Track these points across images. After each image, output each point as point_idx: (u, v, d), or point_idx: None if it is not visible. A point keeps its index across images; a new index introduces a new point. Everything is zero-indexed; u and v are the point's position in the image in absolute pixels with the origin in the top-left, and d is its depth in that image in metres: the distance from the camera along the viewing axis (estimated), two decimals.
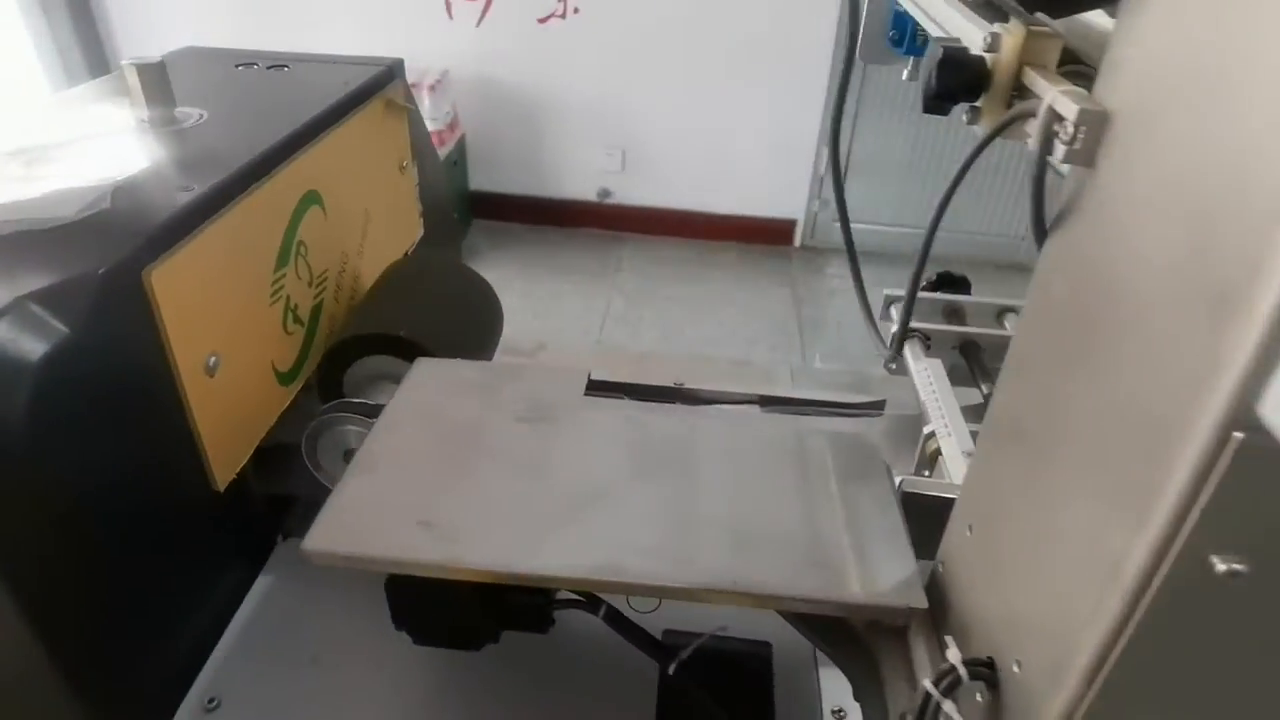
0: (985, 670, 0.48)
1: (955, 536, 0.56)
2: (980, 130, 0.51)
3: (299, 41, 2.71)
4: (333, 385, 0.90)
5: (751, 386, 1.13)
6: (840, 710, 0.76)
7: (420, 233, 1.20)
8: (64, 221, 0.65)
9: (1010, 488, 0.48)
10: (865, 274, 3.55)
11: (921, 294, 1.08)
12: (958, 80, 0.48)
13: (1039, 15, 0.48)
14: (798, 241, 3.42)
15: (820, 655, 0.82)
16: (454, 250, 1.30)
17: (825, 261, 3.38)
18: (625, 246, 3.37)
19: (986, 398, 0.92)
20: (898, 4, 0.98)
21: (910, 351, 0.99)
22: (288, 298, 0.85)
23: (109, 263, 0.62)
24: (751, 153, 3.22)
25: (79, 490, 0.62)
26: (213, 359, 0.73)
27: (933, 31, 0.63)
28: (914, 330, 1.01)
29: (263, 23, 3.07)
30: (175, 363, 0.68)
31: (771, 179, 3.29)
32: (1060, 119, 0.42)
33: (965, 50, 0.49)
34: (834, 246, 3.40)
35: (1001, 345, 1.01)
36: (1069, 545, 0.41)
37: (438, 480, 0.65)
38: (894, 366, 1.03)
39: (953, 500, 0.69)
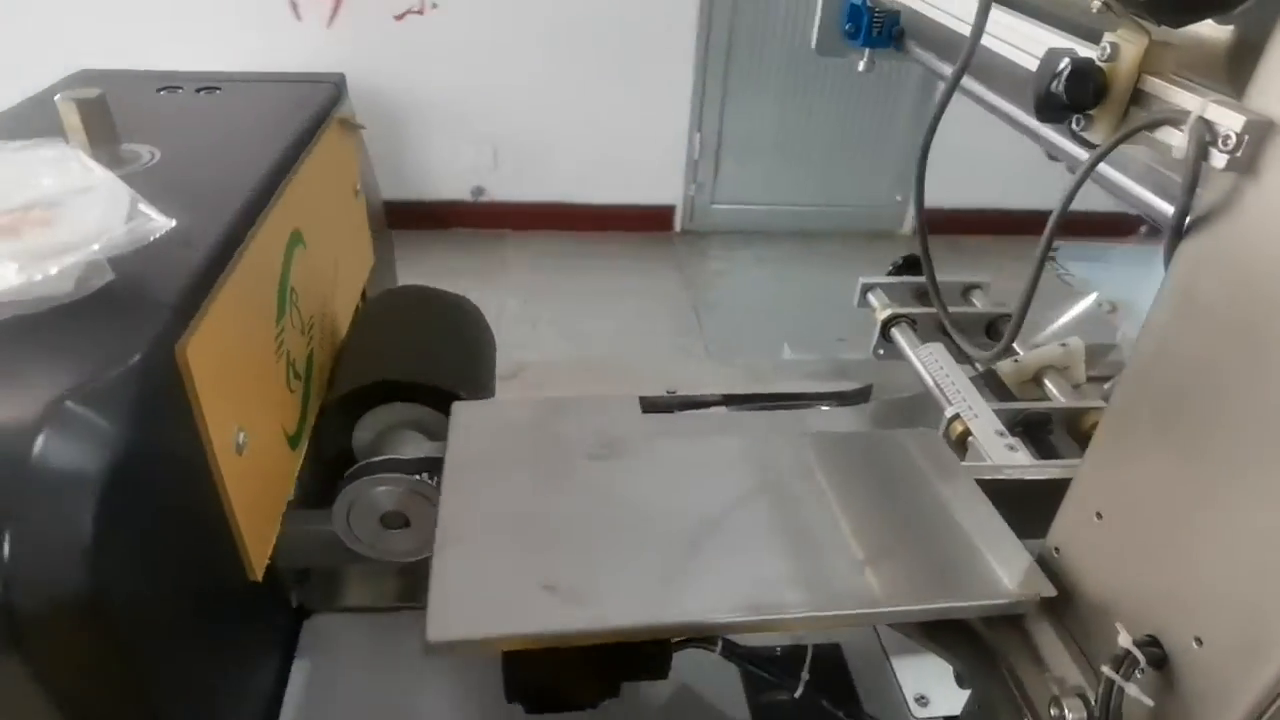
0: (1155, 650, 0.51)
1: (1078, 523, 0.59)
2: (1095, 137, 0.52)
3: (131, 50, 2.44)
4: (338, 442, 0.82)
5: (737, 384, 1.14)
6: (923, 697, 0.78)
7: (373, 260, 1.11)
8: (66, 299, 0.55)
9: (1166, 470, 0.51)
10: (748, 253, 3.68)
11: (890, 279, 1.12)
12: (1087, 90, 0.50)
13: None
14: (678, 226, 3.46)
15: (886, 646, 0.84)
16: (389, 272, 1.22)
17: (707, 245, 3.43)
18: (507, 245, 3.29)
19: (977, 376, 0.97)
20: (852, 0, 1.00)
21: (902, 336, 1.03)
22: (288, 352, 0.77)
23: (143, 344, 0.53)
24: (625, 141, 3.22)
25: (129, 602, 0.53)
26: (241, 435, 0.65)
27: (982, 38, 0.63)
28: (899, 316, 1.04)
29: (85, 28, 2.73)
30: (210, 444, 0.60)
31: (646, 166, 3.31)
32: (1210, 126, 0.45)
33: (1091, 61, 0.50)
34: (713, 229, 3.46)
35: (978, 321, 1.06)
36: (1262, 519, 0.44)
37: (538, 535, 0.61)
38: (882, 353, 1.06)
39: (1020, 481, 0.73)
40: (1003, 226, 3.58)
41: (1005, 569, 0.61)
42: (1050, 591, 0.59)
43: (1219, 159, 0.44)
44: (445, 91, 3.02)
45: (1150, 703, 0.50)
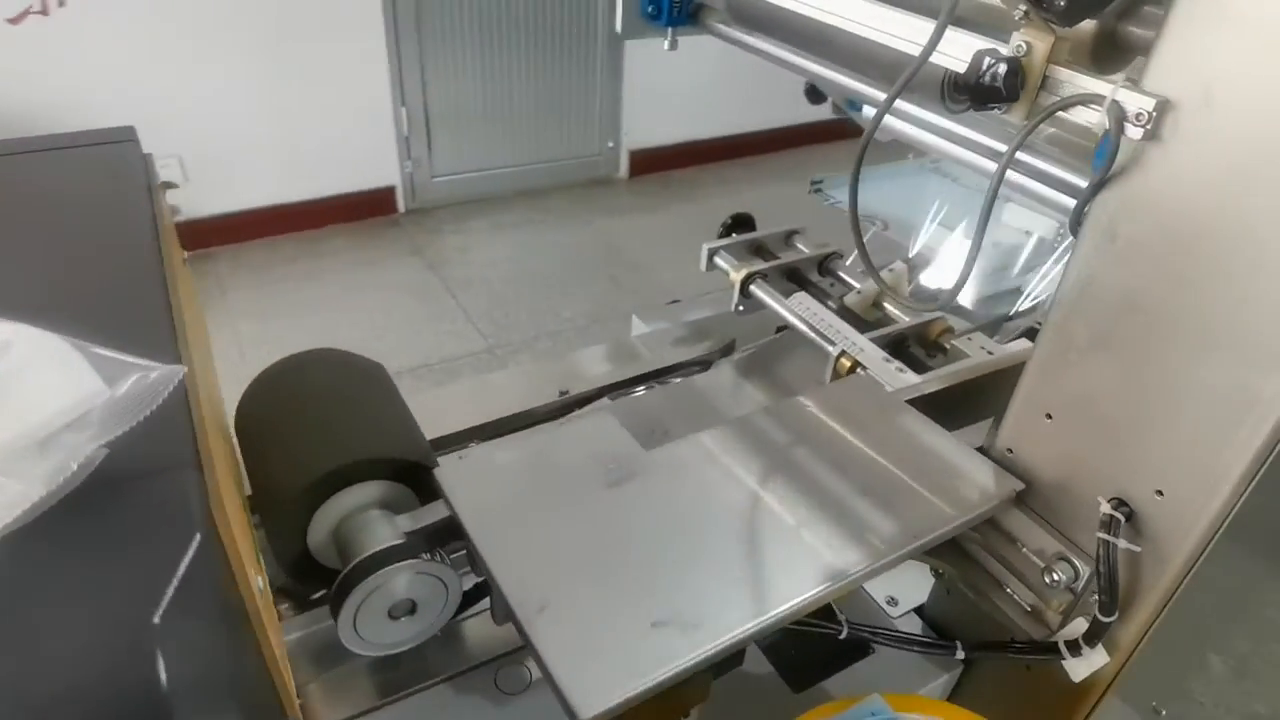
0: (1125, 509, 0.66)
1: (1029, 425, 0.72)
2: (1015, 118, 0.63)
3: None
4: (292, 549, 0.74)
5: (610, 365, 1.17)
6: (892, 598, 0.91)
7: (206, 333, 0.98)
8: (64, 486, 0.45)
9: (1108, 370, 0.64)
10: (483, 222, 3.69)
11: (724, 241, 1.20)
12: (1016, 82, 0.60)
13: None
14: (401, 207, 3.31)
15: None
16: None
17: (438, 221, 3.34)
18: (220, 263, 2.94)
19: (838, 309, 1.10)
20: None
21: (763, 291, 1.12)
22: (235, 465, 0.67)
23: (193, 520, 0.46)
24: (325, 127, 2.99)
25: None
26: (260, 579, 0.57)
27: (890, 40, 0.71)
28: (755, 273, 1.13)
29: None
30: (246, 601, 0.53)
31: (355, 150, 3.11)
32: (1119, 106, 0.57)
33: (1018, 59, 0.60)
34: (439, 203, 3.37)
35: (814, 262, 1.19)
36: (1205, 393, 0.59)
37: (608, 575, 0.62)
38: (742, 309, 1.16)
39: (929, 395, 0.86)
40: (704, 156, 3.88)
41: (977, 479, 0.73)
42: (1020, 486, 0.73)
43: (1134, 131, 0.57)
44: (95, 103, 2.57)
45: (1138, 549, 0.65)
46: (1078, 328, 0.66)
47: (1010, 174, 0.78)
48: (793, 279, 1.18)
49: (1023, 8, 0.58)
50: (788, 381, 1.11)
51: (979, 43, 0.63)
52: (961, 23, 0.67)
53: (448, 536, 0.71)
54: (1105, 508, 0.66)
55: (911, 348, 1.06)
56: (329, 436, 0.76)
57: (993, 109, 0.64)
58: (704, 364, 1.20)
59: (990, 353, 1.00)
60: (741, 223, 1.25)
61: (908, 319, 1.06)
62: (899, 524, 0.68)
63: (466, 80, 3.18)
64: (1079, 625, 0.70)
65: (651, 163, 3.75)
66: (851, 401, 0.82)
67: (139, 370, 0.47)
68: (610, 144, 3.62)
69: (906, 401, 0.85)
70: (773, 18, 0.92)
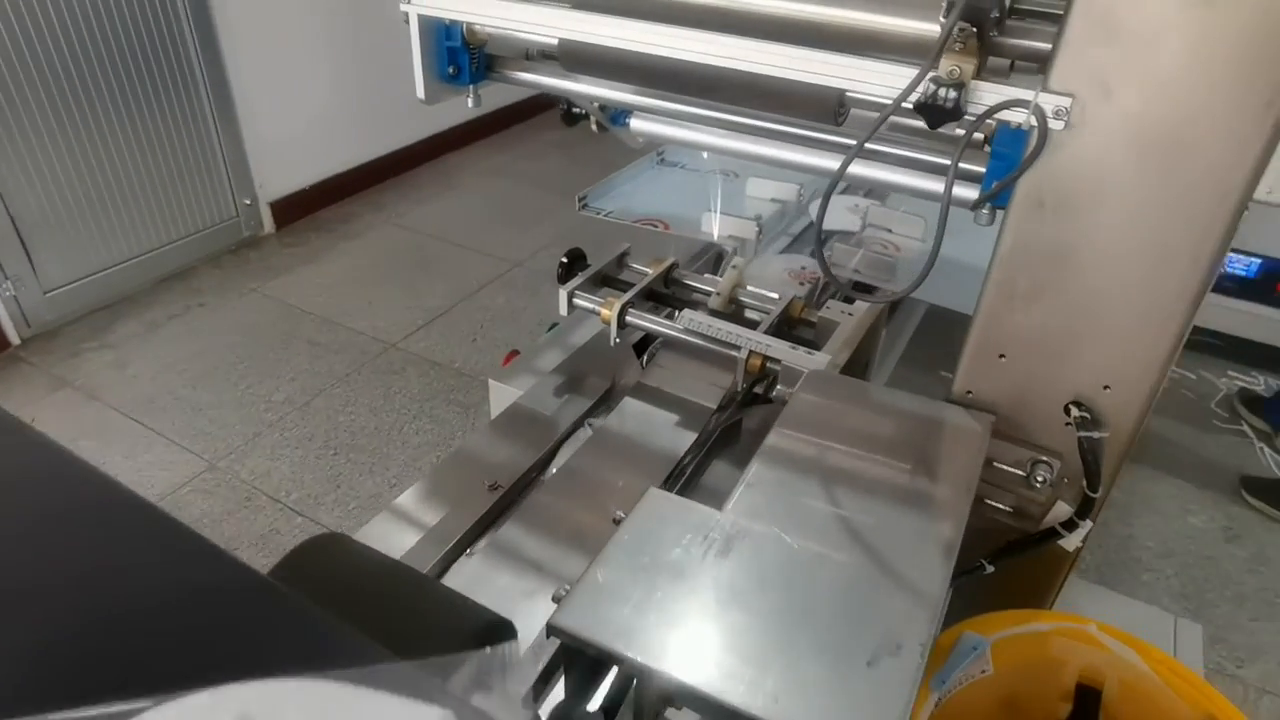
0: (1083, 407, 0.83)
1: (985, 366, 0.87)
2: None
3: None
4: None
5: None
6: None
7: None
8: None
9: (1047, 310, 0.81)
10: (133, 326, 3.29)
11: (576, 281, 1.21)
12: (961, 102, 0.71)
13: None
14: (15, 338, 2.68)
15: None
16: None
17: (73, 341, 2.77)
18: None
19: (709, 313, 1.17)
20: (448, 41, 1.01)
21: (639, 318, 1.15)
22: None
23: None
24: None
25: None
26: None
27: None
28: (628, 303, 1.15)
29: None
30: None
31: None
32: (1039, 107, 0.71)
33: (963, 84, 0.71)
34: (66, 320, 2.78)
35: (662, 278, 1.24)
36: (1128, 304, 0.77)
37: (799, 641, 0.64)
38: (619, 340, 1.18)
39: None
40: (350, 187, 3.68)
41: (963, 426, 0.87)
42: (992, 417, 0.87)
43: (1056, 124, 0.71)
44: None
45: (1107, 434, 0.83)
46: (1019, 280, 0.81)
47: (881, 172, 0.91)
48: (649, 297, 1.23)
49: (959, 38, 0.69)
50: (692, 391, 1.17)
51: (904, 70, 0.73)
52: (863, 51, 0.77)
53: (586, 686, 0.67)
54: (1075, 411, 0.83)
55: (787, 331, 1.18)
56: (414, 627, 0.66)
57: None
58: (604, 405, 1.20)
59: (849, 314, 1.15)
60: (577, 258, 1.26)
61: (772, 307, 1.17)
62: (949, 492, 0.78)
63: (56, 171, 2.63)
64: (1062, 509, 0.88)
65: (296, 209, 3.45)
66: (821, 409, 0.90)
67: None
68: (247, 200, 3.25)
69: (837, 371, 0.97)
70: (615, 60, 0.94)
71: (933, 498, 0.76)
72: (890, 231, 1.52)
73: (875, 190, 1.71)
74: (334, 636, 0.49)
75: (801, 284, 1.39)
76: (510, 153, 4.24)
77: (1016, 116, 0.72)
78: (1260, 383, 2.71)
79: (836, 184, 0.80)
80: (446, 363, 2.76)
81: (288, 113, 3.29)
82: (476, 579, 0.91)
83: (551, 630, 0.65)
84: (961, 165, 0.84)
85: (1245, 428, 2.52)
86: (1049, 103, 0.71)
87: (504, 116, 4.29)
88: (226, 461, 2.37)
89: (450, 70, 1.04)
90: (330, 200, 3.58)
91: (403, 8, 0.97)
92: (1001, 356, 0.86)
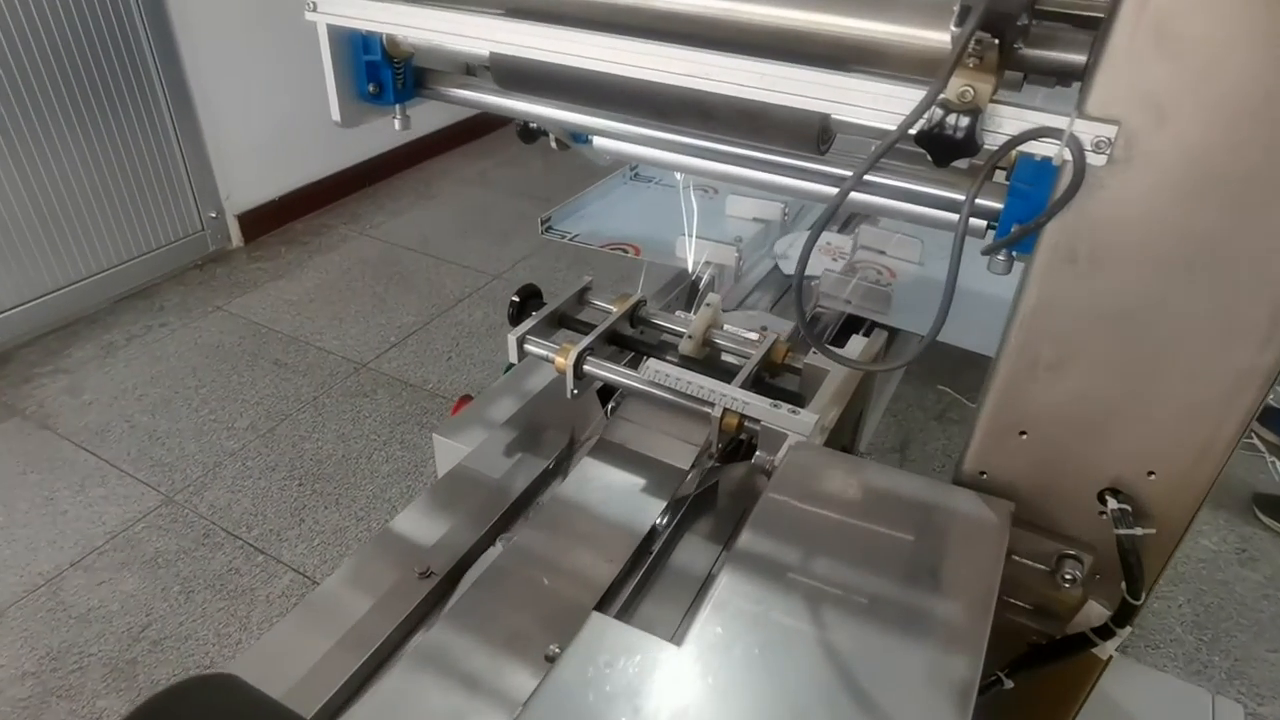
0: (1121, 495, 0.69)
1: (1001, 445, 0.72)
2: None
3: None
4: None
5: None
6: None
7: None
8: None
9: (1081, 380, 0.66)
10: (85, 347, 3.14)
11: (527, 324, 1.06)
12: (979, 135, 0.56)
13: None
14: None
15: None
16: None
17: (25, 367, 2.62)
18: None
19: (679, 361, 1.02)
20: (366, 55, 0.86)
21: (598, 367, 1.00)
22: None
23: None
24: None
25: None
26: None
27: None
28: (585, 350, 1.00)
29: None
30: None
31: None
32: (1075, 138, 0.56)
33: (979, 112, 0.56)
34: (16, 343, 2.64)
35: (625, 318, 1.09)
36: (1186, 377, 0.62)
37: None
38: (576, 392, 1.03)
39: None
40: (322, 198, 3.54)
41: (978, 516, 0.72)
42: (1011, 505, 0.73)
43: (1096, 159, 0.56)
44: None
45: (1153, 531, 0.68)
46: (1042, 347, 0.67)
47: (876, 200, 0.76)
48: (612, 340, 1.08)
49: (976, 51, 0.54)
50: (661, 450, 1.02)
51: (903, 91, 0.59)
52: (860, 67, 0.62)
53: None
54: (1113, 503, 0.68)
55: (767, 379, 1.03)
56: None
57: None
58: (558, 467, 1.05)
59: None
60: (530, 295, 1.11)
61: (752, 351, 1.03)
62: (963, 598, 0.64)
63: (2, 186, 2.48)
64: (1094, 610, 0.73)
65: (266, 222, 3.30)
66: (805, 497, 0.75)
67: None
68: (212, 214, 3.10)
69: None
70: (549, 75, 0.79)
71: (945, 621, 0.62)
72: (884, 254, 1.37)
73: (851, 224, 1.57)
74: None
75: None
76: (491, 159, 4.09)
77: (1045, 149, 0.58)
78: (1272, 394, 2.57)
79: (817, 238, 0.65)
80: (419, 383, 2.61)
81: (254, 119, 3.13)
82: (396, 700, 0.76)
83: None
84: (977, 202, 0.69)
85: (1257, 442, 2.36)
86: (1088, 132, 0.56)
87: (484, 122, 4.14)
88: (184, 494, 2.23)
89: (371, 88, 0.89)
90: (301, 212, 3.44)
91: (308, 16, 0.82)
92: (1022, 434, 0.72)
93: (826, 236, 1.47)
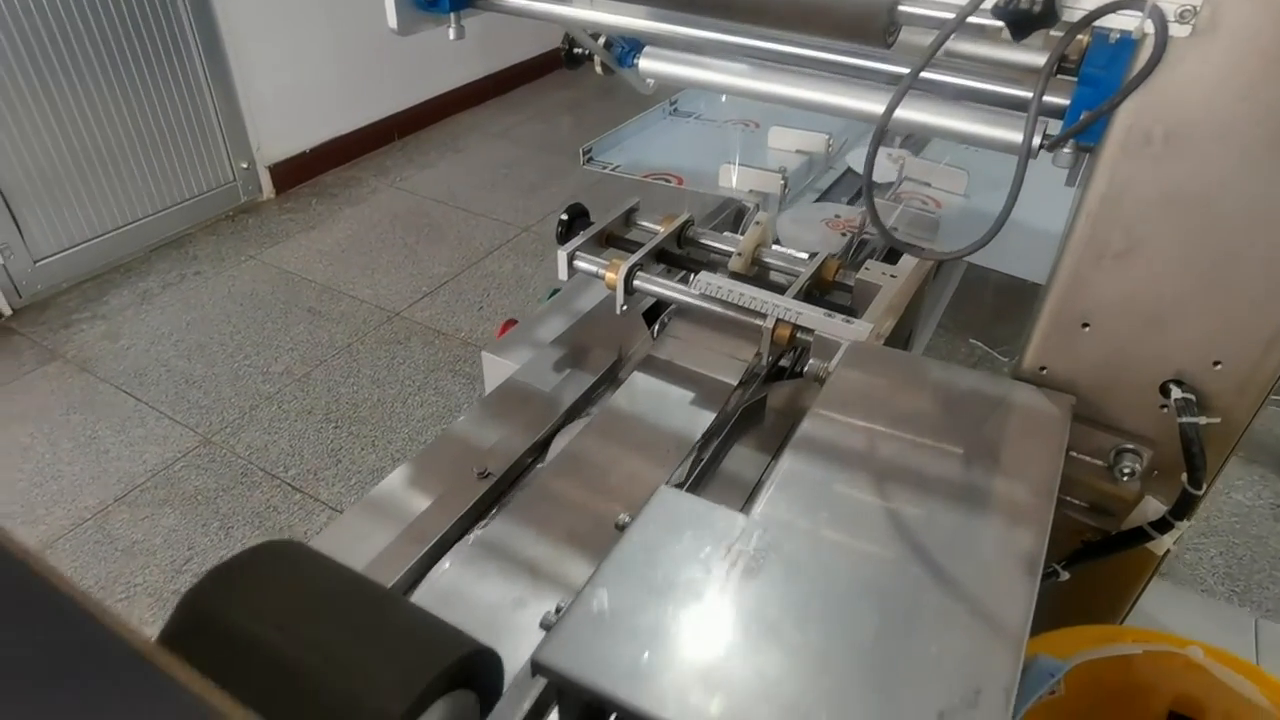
0: (1185, 385, 0.69)
1: (1063, 339, 0.72)
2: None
3: None
4: None
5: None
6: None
7: None
8: None
9: (1149, 269, 0.66)
10: (126, 295, 3.17)
11: (577, 241, 1.06)
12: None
13: None
14: (6, 309, 2.58)
15: None
16: None
17: (64, 312, 2.66)
18: None
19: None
20: None
21: (649, 282, 1.01)
22: None
23: None
24: None
25: None
26: None
27: None
28: (636, 265, 1.01)
29: None
30: None
31: None
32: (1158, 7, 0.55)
33: None
34: (56, 290, 2.68)
35: (674, 237, 1.10)
36: (1257, 262, 0.62)
37: (850, 690, 0.51)
38: (626, 308, 1.04)
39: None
40: (352, 150, 3.54)
41: (1039, 410, 0.72)
42: (1072, 400, 0.73)
43: (1180, 29, 0.56)
44: None
45: (1217, 420, 0.68)
46: (1109, 236, 0.66)
47: (929, 115, 0.76)
48: (660, 258, 1.09)
49: None
50: (709, 365, 1.03)
51: None
52: None
53: None
54: (1177, 392, 0.68)
55: (818, 296, 1.03)
56: (369, 658, 0.53)
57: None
58: (609, 380, 1.06)
59: (892, 275, 1.01)
60: (579, 214, 1.11)
61: (802, 269, 1.03)
62: (1027, 480, 0.65)
63: (39, 135, 2.50)
64: (1151, 506, 0.74)
65: (296, 173, 3.31)
66: (866, 388, 0.76)
67: None
68: (244, 164, 3.12)
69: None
70: None
71: (1009, 500, 0.62)
72: (929, 185, 1.36)
73: (911, 141, 1.55)
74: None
75: (843, 234, 1.24)
76: (518, 114, 4.07)
77: (1124, 22, 0.57)
78: None
79: (890, 115, 0.65)
80: (451, 332, 2.63)
81: (286, 71, 3.14)
82: (459, 586, 0.78)
83: (537, 668, 0.52)
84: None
85: None
86: (1171, 1, 0.55)
87: (511, 76, 4.12)
88: (222, 436, 2.26)
89: None
90: (331, 164, 3.44)
91: None
92: (1085, 326, 0.72)
93: (888, 150, 1.46)
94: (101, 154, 2.70)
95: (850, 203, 1.41)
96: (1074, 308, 0.72)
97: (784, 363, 1.06)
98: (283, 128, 3.22)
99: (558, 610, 0.68)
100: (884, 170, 1.42)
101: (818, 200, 1.42)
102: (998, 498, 0.63)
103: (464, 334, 2.63)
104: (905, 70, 0.78)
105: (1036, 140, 0.65)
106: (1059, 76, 0.67)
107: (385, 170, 3.51)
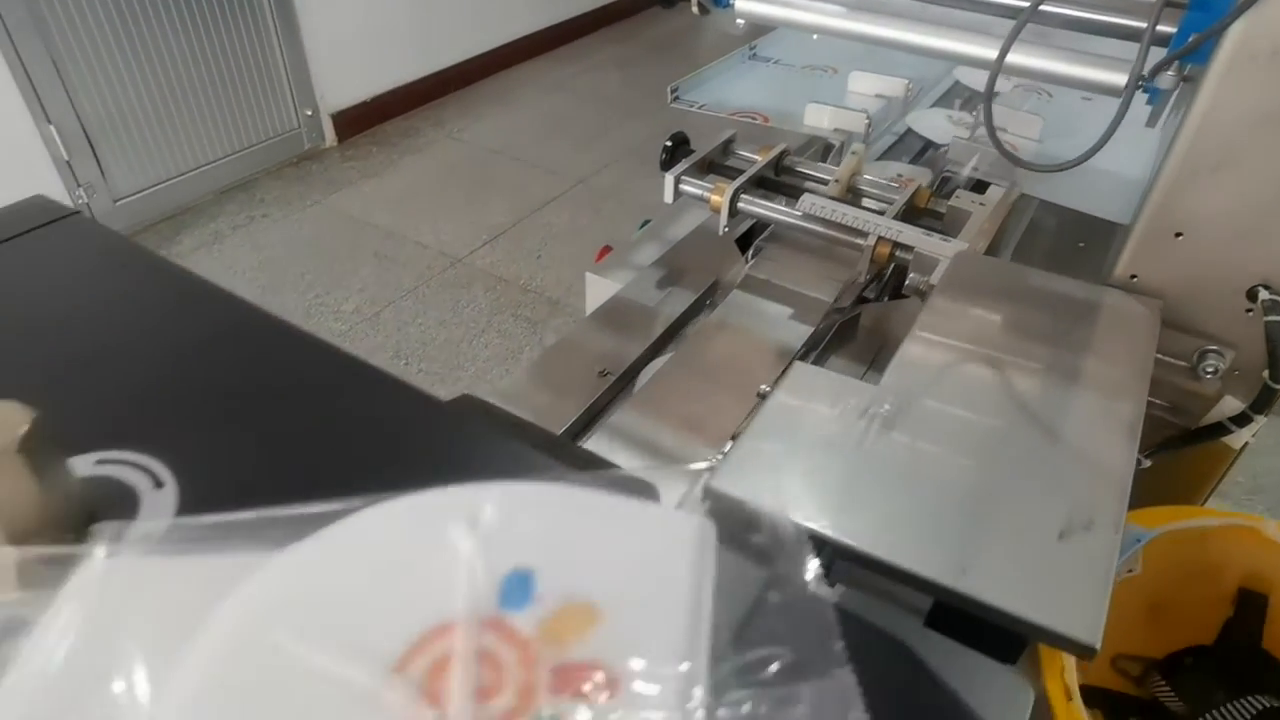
0: (1271, 289, 0.76)
1: (1156, 248, 0.80)
2: None
3: None
4: None
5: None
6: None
7: None
8: None
9: (1244, 177, 0.72)
10: (193, 235, 3.32)
11: (683, 165, 1.14)
12: None
13: None
14: None
15: None
16: None
17: None
18: None
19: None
20: None
21: (752, 205, 1.09)
22: None
23: None
24: None
25: None
26: None
27: None
28: (741, 188, 1.09)
29: None
30: None
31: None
32: None
33: None
34: (134, 229, 2.79)
35: (772, 165, 1.17)
36: None
37: (984, 518, 0.60)
38: (728, 228, 1.12)
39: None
40: (412, 100, 3.61)
41: (1132, 315, 0.79)
42: (1159, 303, 0.80)
43: None
44: None
45: None
46: (1212, 148, 0.73)
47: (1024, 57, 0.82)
48: (759, 185, 1.16)
49: None
50: (805, 285, 1.10)
51: None
52: None
53: None
54: (1265, 294, 0.75)
55: (911, 220, 1.11)
56: None
57: None
58: (708, 300, 1.15)
59: (981, 204, 1.08)
60: (681, 142, 1.19)
61: (896, 196, 1.10)
62: (1125, 373, 0.72)
63: (120, 80, 2.60)
64: (1230, 403, 0.81)
65: (358, 122, 3.40)
66: (975, 289, 0.84)
67: None
68: (309, 111, 3.21)
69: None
70: None
71: (1109, 379, 0.70)
72: (1006, 131, 1.42)
73: (971, 105, 1.61)
74: (531, 459, 0.47)
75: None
76: (571, 67, 4.12)
77: None
78: None
79: (1012, 42, 0.72)
80: (512, 279, 2.72)
81: (350, 21, 3.21)
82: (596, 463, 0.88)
83: (708, 493, 0.61)
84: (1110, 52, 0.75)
85: None
86: None
87: (563, 32, 4.16)
88: None
89: None
90: (391, 114, 3.52)
91: None
92: (1178, 235, 0.79)
93: (948, 112, 1.52)
94: (176, 98, 2.80)
95: (912, 163, 1.47)
96: (1168, 219, 0.79)
97: (867, 294, 1.14)
98: (345, 77, 3.30)
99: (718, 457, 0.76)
100: (942, 132, 1.48)
101: (879, 160, 1.49)
102: (1099, 379, 0.71)
103: (523, 281, 2.72)
104: (1018, 2, 0.85)
105: (1114, 79, 0.71)
106: (1167, 8, 0.73)
107: (442, 121, 3.59)
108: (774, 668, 0.28)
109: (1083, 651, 0.52)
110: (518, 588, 0.30)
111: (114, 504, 0.38)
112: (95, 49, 2.51)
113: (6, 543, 0.34)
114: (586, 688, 0.27)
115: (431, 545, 0.31)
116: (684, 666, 0.28)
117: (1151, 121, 0.92)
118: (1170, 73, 0.75)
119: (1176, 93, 0.81)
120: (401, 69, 3.50)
